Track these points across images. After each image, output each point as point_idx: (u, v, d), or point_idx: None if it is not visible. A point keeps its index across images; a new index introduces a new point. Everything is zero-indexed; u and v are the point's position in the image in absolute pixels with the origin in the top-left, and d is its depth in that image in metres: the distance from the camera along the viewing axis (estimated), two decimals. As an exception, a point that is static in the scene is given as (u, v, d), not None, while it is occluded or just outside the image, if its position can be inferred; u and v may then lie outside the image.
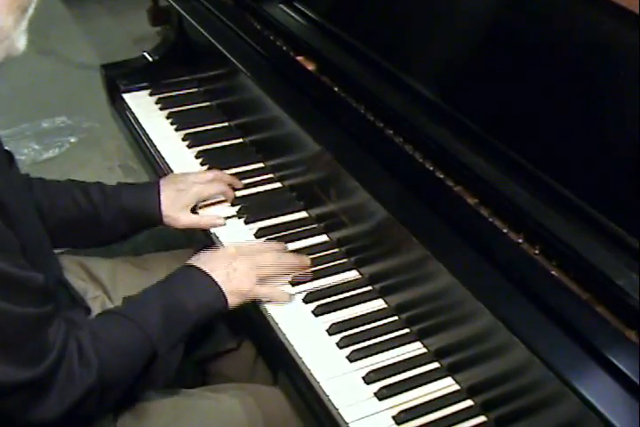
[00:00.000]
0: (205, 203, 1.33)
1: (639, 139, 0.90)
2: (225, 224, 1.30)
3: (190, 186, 1.30)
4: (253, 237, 1.27)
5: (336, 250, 1.23)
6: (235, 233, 1.29)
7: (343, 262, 1.21)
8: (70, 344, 0.91)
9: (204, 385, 1.31)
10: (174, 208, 1.28)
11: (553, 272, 0.91)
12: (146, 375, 1.01)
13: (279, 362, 1.11)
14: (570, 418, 0.82)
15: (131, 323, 1.00)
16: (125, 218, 1.26)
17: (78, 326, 0.96)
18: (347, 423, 0.95)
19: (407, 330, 1.08)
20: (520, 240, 0.96)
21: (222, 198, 1.35)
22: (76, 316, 1.04)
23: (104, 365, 0.93)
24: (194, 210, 1.32)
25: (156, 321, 1.00)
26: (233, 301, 1.09)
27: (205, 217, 1.31)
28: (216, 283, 1.08)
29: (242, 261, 1.12)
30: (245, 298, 1.11)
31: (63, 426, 0.94)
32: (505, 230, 0.97)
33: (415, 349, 1.06)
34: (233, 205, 1.35)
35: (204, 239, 1.31)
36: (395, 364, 1.04)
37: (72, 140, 2.81)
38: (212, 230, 1.29)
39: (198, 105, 1.67)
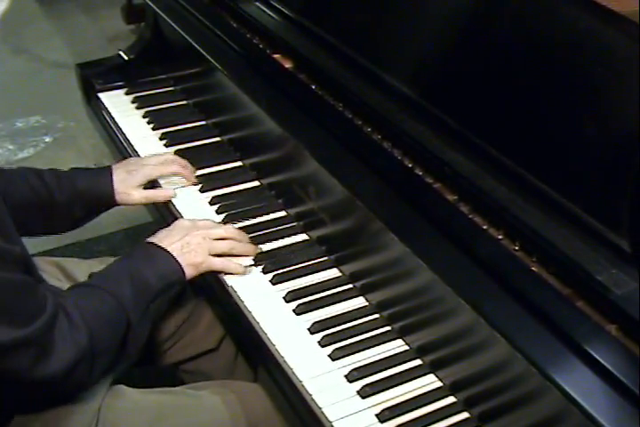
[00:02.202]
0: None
1: (617, 135, 0.91)
2: (175, 195, 1.36)
3: (141, 167, 1.35)
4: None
5: (316, 248, 1.23)
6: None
7: (323, 261, 1.21)
8: (59, 311, 0.93)
9: (185, 384, 1.30)
10: (125, 186, 1.32)
11: (533, 268, 0.91)
12: (122, 348, 1.04)
13: (261, 361, 1.10)
14: (552, 412, 0.82)
15: (104, 293, 1.03)
16: (80, 200, 1.29)
17: (61, 295, 0.99)
18: (330, 422, 0.95)
19: (389, 328, 1.08)
20: (500, 236, 0.96)
21: (182, 184, 1.39)
22: (56, 289, 1.06)
23: (91, 331, 0.96)
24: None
25: (127, 291, 1.04)
26: (189, 272, 1.13)
27: (157, 190, 1.37)
28: (173, 256, 1.12)
29: (195, 235, 1.16)
30: (200, 269, 1.15)
31: (52, 397, 1.01)
32: (485, 227, 0.98)
33: (397, 346, 1.06)
34: (212, 204, 1.34)
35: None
36: (377, 362, 1.04)
37: (47, 139, 2.78)
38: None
39: (175, 104, 1.66)
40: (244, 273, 1.18)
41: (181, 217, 1.32)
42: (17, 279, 0.89)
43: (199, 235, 1.16)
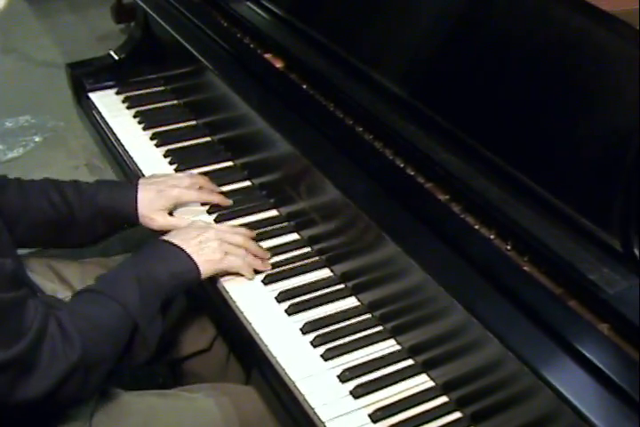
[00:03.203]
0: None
1: (609, 135, 0.91)
2: None
3: (171, 188, 1.27)
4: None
5: (307, 248, 1.23)
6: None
7: (315, 261, 1.20)
8: (50, 324, 0.91)
9: (177, 386, 1.30)
10: (151, 209, 1.25)
11: (525, 267, 0.91)
12: (128, 351, 1.01)
13: (253, 362, 1.10)
14: (543, 411, 0.83)
15: (108, 299, 1.00)
16: (102, 218, 1.25)
17: (56, 306, 0.96)
18: (323, 422, 0.95)
19: (381, 328, 1.08)
20: (492, 236, 0.96)
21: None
22: (51, 299, 1.04)
23: (86, 341, 0.93)
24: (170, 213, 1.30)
25: (133, 295, 1.01)
26: (206, 270, 1.10)
27: (179, 219, 1.28)
28: (187, 254, 1.09)
29: (213, 233, 1.14)
30: (218, 267, 1.12)
31: (46, 410, 0.97)
32: (476, 226, 0.98)
33: (389, 346, 1.06)
34: (203, 204, 1.34)
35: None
36: (369, 362, 1.03)
37: (37, 139, 2.76)
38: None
39: (166, 103, 1.65)
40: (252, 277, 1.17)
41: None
42: (2, 299, 0.86)
43: (218, 234, 1.14)
